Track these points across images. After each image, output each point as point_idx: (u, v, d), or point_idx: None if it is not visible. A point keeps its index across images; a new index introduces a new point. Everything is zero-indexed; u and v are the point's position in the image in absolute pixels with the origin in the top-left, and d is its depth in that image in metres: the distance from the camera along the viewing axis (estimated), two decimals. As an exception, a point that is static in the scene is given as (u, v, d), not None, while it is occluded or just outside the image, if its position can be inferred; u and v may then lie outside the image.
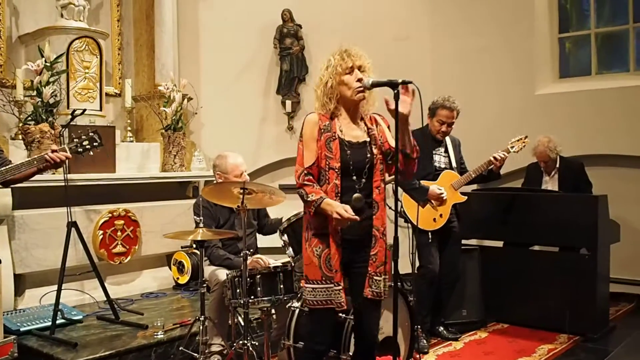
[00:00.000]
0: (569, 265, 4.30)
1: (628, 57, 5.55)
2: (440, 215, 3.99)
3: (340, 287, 2.47)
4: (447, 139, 4.12)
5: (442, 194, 3.92)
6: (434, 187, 3.92)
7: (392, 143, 2.47)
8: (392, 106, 2.35)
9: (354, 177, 2.49)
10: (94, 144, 2.82)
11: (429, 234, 3.96)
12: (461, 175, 4.09)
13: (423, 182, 3.92)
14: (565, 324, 4.19)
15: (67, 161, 2.84)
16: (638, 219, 5.21)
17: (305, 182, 2.47)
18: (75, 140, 2.79)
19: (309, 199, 2.45)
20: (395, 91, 2.33)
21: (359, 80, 2.46)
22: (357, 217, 2.41)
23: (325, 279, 2.46)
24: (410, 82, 2.35)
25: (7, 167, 2.72)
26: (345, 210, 2.39)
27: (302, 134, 2.55)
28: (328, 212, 2.41)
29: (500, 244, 4.85)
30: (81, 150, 2.80)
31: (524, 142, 4.12)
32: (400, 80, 2.34)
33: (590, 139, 5.31)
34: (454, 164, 4.11)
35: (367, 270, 2.48)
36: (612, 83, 5.50)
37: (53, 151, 2.71)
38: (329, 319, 2.55)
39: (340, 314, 2.77)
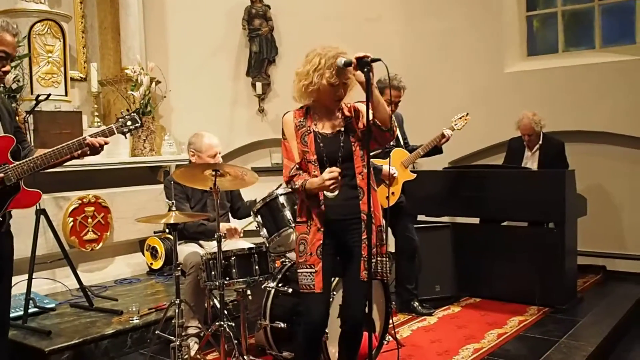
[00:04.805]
0: (537, 240, 4.41)
1: (594, 34, 5.64)
2: (392, 193, 4.07)
3: (313, 270, 2.50)
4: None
5: (394, 174, 3.99)
6: (386, 167, 3.99)
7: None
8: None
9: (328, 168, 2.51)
10: (136, 124, 2.84)
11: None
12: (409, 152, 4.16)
13: (374, 161, 3.96)
14: (535, 296, 4.31)
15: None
16: (604, 193, 5.36)
17: (293, 174, 2.55)
18: (120, 120, 2.81)
19: (296, 186, 2.53)
20: (366, 69, 2.34)
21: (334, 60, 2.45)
22: (338, 169, 2.43)
23: (299, 263, 2.55)
24: (379, 60, 2.36)
25: (44, 153, 2.60)
26: (330, 172, 2.41)
27: (283, 134, 2.62)
28: (317, 185, 2.45)
29: (470, 220, 4.94)
30: (126, 130, 2.82)
31: (465, 120, 4.25)
32: (370, 59, 2.35)
33: (558, 115, 5.38)
34: (401, 141, 4.18)
35: (361, 253, 2.51)
36: (579, 60, 5.58)
37: (92, 136, 2.67)
38: (315, 300, 2.55)
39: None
